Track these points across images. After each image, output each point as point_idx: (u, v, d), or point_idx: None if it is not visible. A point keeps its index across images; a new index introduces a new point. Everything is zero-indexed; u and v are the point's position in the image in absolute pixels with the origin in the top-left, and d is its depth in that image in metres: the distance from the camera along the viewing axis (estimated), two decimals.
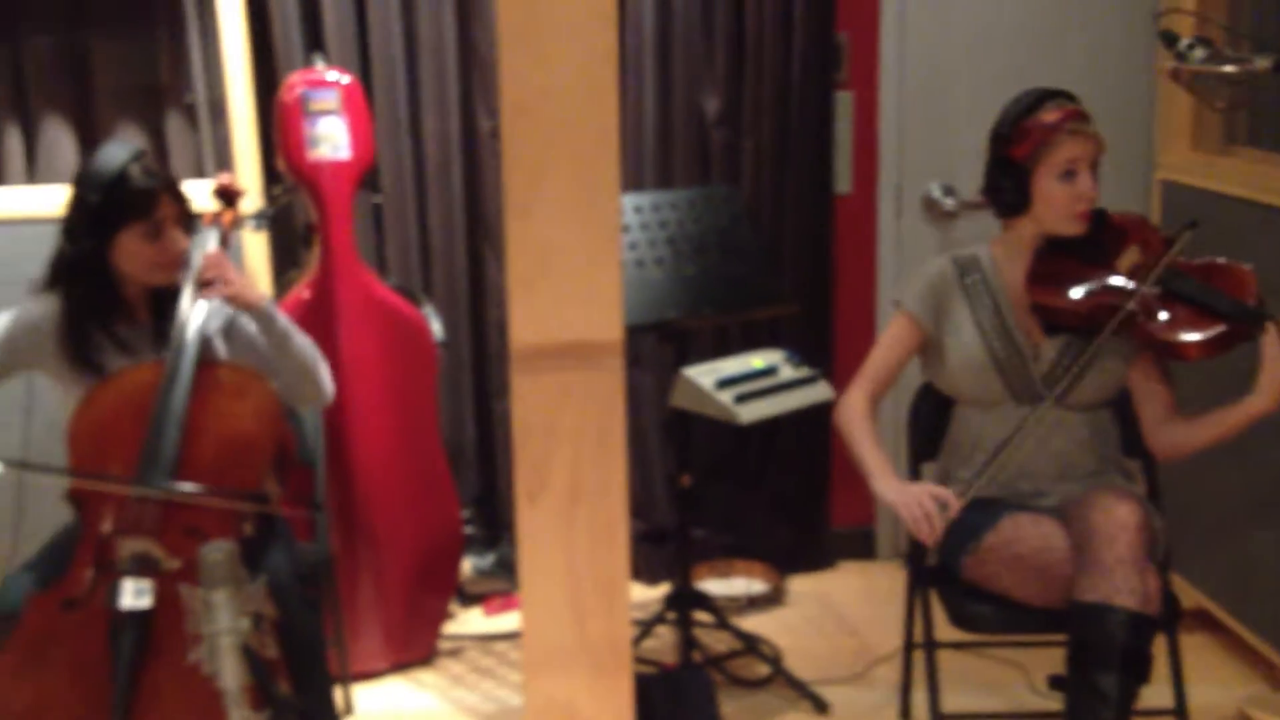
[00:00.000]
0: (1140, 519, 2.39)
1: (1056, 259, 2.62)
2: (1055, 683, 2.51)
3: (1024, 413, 2.61)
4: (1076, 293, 2.57)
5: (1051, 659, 2.60)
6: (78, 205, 2.58)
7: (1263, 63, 2.24)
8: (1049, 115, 2.54)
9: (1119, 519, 2.37)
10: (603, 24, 1.85)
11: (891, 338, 2.74)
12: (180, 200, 2.63)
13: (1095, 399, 2.63)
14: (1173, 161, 3.51)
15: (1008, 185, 2.59)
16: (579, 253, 1.87)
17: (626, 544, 1.96)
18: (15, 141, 3.63)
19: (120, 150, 2.60)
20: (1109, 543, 2.35)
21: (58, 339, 2.62)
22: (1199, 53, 2.38)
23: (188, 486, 2.43)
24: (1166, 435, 2.64)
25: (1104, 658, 2.33)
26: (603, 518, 1.94)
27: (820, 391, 3.06)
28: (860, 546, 4.08)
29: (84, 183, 2.57)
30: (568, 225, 1.86)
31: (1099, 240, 2.61)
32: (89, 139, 3.63)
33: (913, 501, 2.47)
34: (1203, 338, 2.45)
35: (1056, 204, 2.56)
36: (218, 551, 2.04)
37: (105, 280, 2.62)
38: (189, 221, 2.67)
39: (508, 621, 3.69)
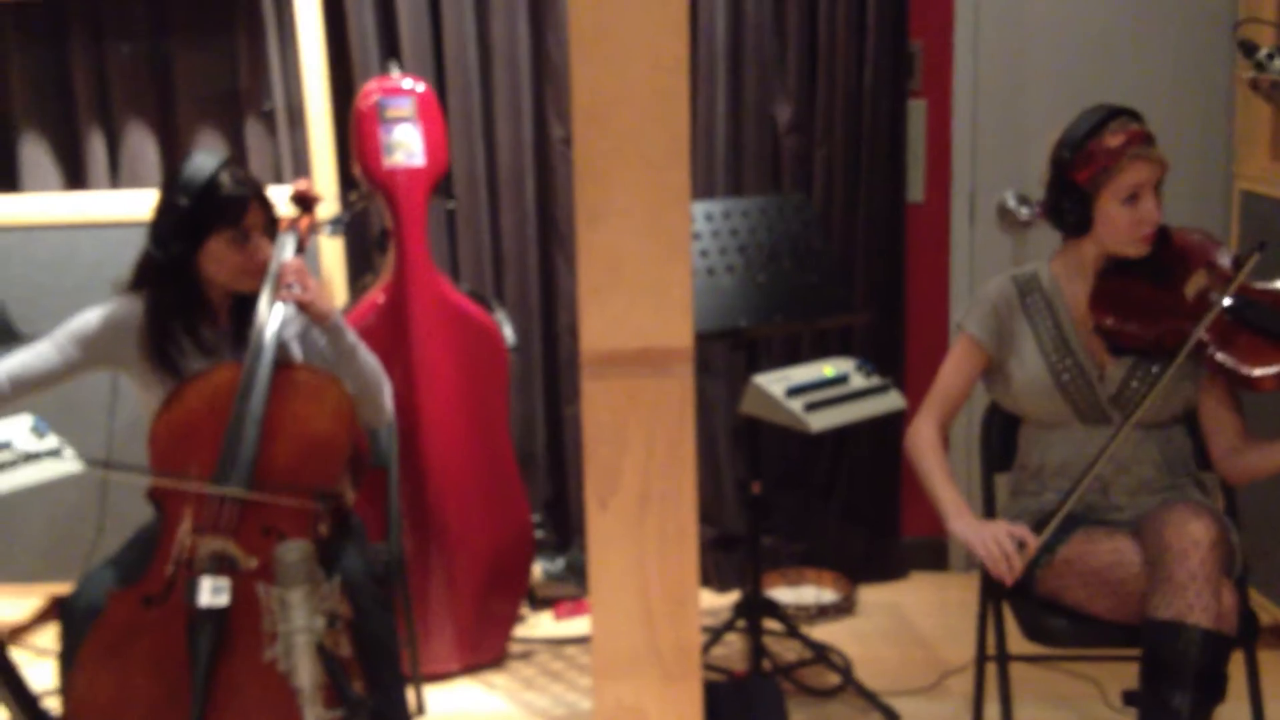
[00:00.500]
0: (1215, 535, 2.35)
1: (1121, 280, 2.58)
2: (1129, 698, 2.47)
3: (1091, 434, 2.58)
4: (1143, 318, 2.53)
5: (1126, 673, 2.56)
6: (167, 210, 2.62)
7: None
8: (1112, 139, 2.50)
9: (1192, 535, 2.33)
10: (673, 33, 1.85)
11: (956, 362, 2.73)
12: (267, 208, 2.69)
13: (1165, 418, 2.60)
14: (1252, 171, 3.45)
15: (1069, 207, 2.56)
16: (650, 260, 1.88)
17: (696, 549, 1.97)
18: (99, 146, 3.72)
19: (211, 158, 2.65)
20: (1182, 559, 2.32)
21: (141, 339, 2.67)
22: (1279, 62, 2.34)
23: (261, 494, 2.46)
24: (1238, 463, 2.59)
25: (1177, 676, 2.30)
26: (673, 523, 1.95)
27: (891, 401, 3.03)
28: (932, 557, 4.05)
29: (174, 188, 2.62)
30: (638, 233, 1.87)
31: (1164, 261, 2.57)
32: (170, 145, 3.72)
33: (990, 541, 2.45)
34: (1277, 371, 2.39)
35: (1119, 227, 2.53)
36: (294, 551, 2.07)
37: (191, 284, 2.67)
38: (274, 229, 2.72)
39: (578, 626, 3.72)
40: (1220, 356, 2.45)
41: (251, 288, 2.69)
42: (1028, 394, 2.64)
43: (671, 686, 2.02)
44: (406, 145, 3.23)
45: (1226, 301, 2.47)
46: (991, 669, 2.77)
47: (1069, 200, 2.55)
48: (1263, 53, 2.38)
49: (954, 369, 2.73)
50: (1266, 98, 2.42)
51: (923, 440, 2.68)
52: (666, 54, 1.84)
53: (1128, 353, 2.58)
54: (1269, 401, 2.64)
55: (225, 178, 2.61)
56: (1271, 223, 3.17)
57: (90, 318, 2.69)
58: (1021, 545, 2.44)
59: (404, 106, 3.24)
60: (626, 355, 1.90)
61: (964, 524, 2.54)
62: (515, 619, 3.57)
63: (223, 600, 2.31)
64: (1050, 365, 2.61)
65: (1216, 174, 3.66)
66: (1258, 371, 2.41)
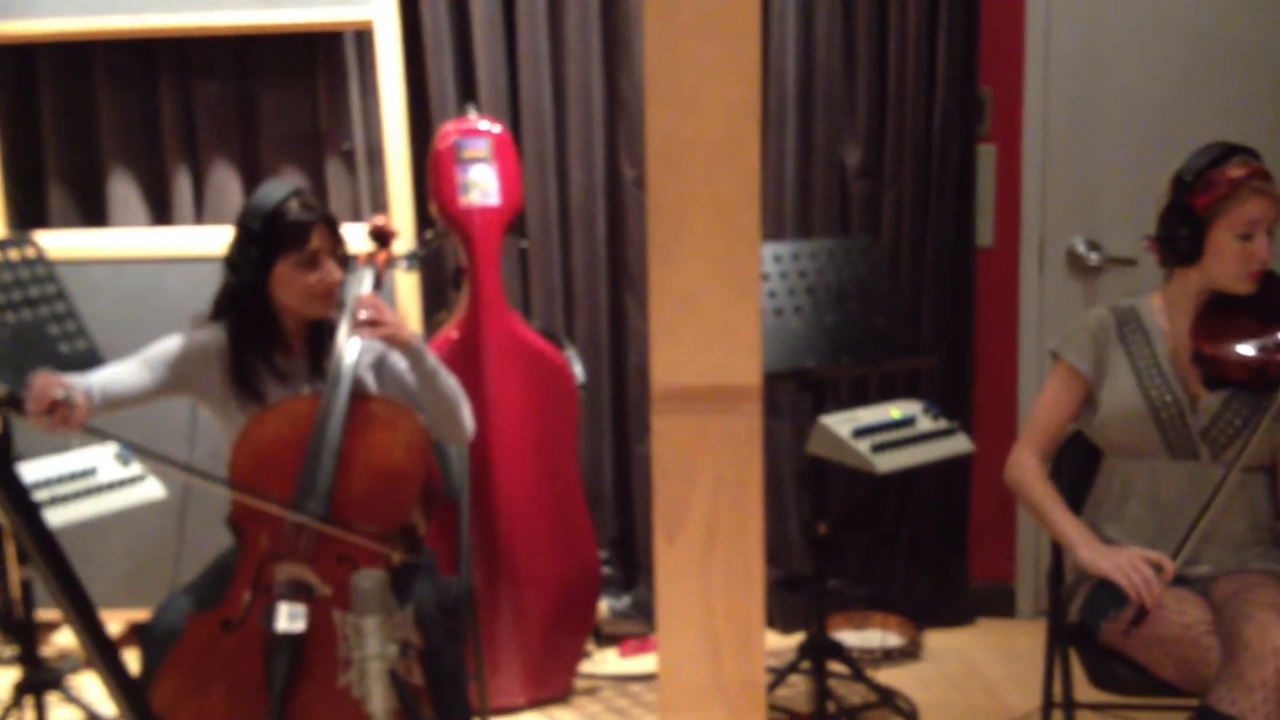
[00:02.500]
0: None
1: (1227, 311, 2.56)
2: None
3: (1177, 467, 2.56)
4: (1248, 348, 2.51)
5: None
6: (241, 237, 2.72)
7: None
8: (1235, 170, 2.50)
9: (1274, 642, 2.28)
10: (745, 79, 1.90)
11: (1054, 392, 2.71)
12: (335, 233, 2.76)
13: (1252, 462, 2.55)
14: None
15: (1183, 234, 2.54)
16: (720, 299, 1.92)
17: (763, 586, 1.99)
18: (185, 183, 3.84)
19: (280, 186, 2.75)
20: (1258, 664, 2.28)
21: (222, 365, 2.75)
22: None
23: (334, 529, 2.52)
24: None
25: None
26: (739, 559, 1.97)
27: (959, 444, 3.03)
28: (1000, 603, 4.03)
29: (246, 215, 2.72)
30: (709, 272, 1.92)
31: (1270, 299, 2.55)
32: (254, 182, 3.83)
33: (1128, 568, 2.44)
34: None
35: (1229, 261, 2.52)
36: (369, 579, 2.12)
37: (265, 311, 2.75)
38: (343, 256, 2.79)
39: (643, 663, 3.73)
40: None
41: (322, 314, 2.77)
42: (1118, 421, 2.61)
43: None
44: (482, 185, 3.30)
45: None
46: (1057, 717, 2.75)
47: (1184, 226, 2.54)
48: None
49: (1053, 398, 2.71)
50: None
51: (1027, 471, 2.67)
52: (739, 99, 1.89)
53: (1224, 385, 2.55)
54: None
55: (292, 203, 2.70)
56: None
57: (175, 342, 2.77)
58: (1159, 568, 2.43)
59: (480, 147, 3.31)
60: (696, 392, 1.94)
61: (1095, 553, 2.52)
62: (581, 655, 3.60)
63: (299, 626, 2.36)
64: (1145, 393, 2.59)
65: None
66: None
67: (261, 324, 2.76)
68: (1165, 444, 2.58)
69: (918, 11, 3.65)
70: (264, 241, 2.69)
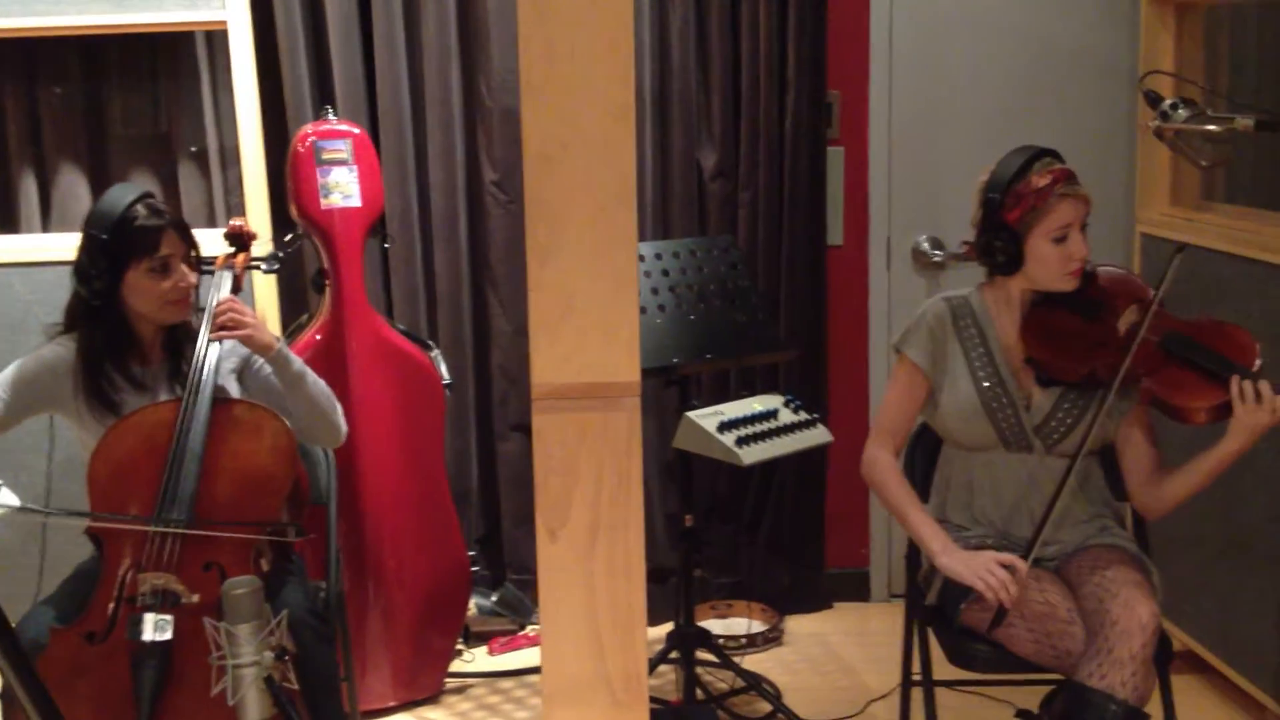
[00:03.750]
0: (1158, 621, 2.43)
1: (1052, 313, 2.66)
2: (1024, 716, 2.61)
3: (1012, 460, 2.68)
4: (1076, 351, 2.60)
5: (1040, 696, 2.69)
6: (88, 246, 2.65)
7: (1244, 122, 2.34)
8: (1040, 179, 2.57)
9: (1140, 618, 2.40)
10: (619, 82, 1.95)
11: (900, 387, 2.76)
12: (186, 237, 2.71)
13: (1086, 450, 2.67)
14: (1152, 216, 3.61)
15: (1001, 246, 2.61)
16: (599, 297, 1.96)
17: (644, 578, 2.04)
18: (31, 189, 3.72)
19: (126, 191, 2.69)
20: (1126, 638, 2.39)
21: (75, 379, 2.69)
22: (1182, 112, 2.48)
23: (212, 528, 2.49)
24: (1153, 493, 2.68)
25: None
26: (621, 553, 2.02)
27: (819, 435, 3.13)
28: (855, 588, 4.17)
29: (93, 223, 2.65)
30: (588, 271, 1.96)
31: (1092, 297, 2.66)
32: (102, 187, 3.71)
33: (984, 572, 2.50)
34: (1208, 404, 2.47)
35: (1050, 265, 2.60)
36: (242, 586, 2.11)
37: (118, 320, 2.69)
38: (196, 259, 2.74)
39: (513, 660, 3.75)
40: (1154, 388, 2.53)
41: (178, 319, 2.73)
42: (956, 416, 2.70)
43: (620, 713, 2.09)
44: (343, 187, 3.28)
45: (1155, 326, 2.56)
46: (915, 694, 2.86)
47: (1000, 240, 2.60)
48: (1167, 103, 2.52)
49: (899, 394, 2.77)
50: (1171, 146, 2.56)
51: (885, 469, 2.72)
52: (614, 101, 1.94)
53: (1056, 384, 2.66)
54: (1180, 439, 2.77)
55: (140, 208, 2.65)
56: (1161, 275, 3.32)
57: (24, 364, 2.70)
58: (1012, 570, 2.50)
59: (340, 149, 3.30)
60: (577, 389, 1.98)
61: (952, 558, 2.57)
62: (452, 654, 3.60)
63: (167, 635, 2.32)
64: (980, 389, 2.68)
65: (1119, 218, 3.84)
66: (1191, 402, 2.49)
67: (115, 333, 2.70)
68: (1000, 438, 2.68)
69: (769, 17, 3.75)
70: (113, 250, 2.63)
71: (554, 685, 2.09)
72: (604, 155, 1.95)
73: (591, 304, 1.97)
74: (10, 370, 2.69)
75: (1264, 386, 2.43)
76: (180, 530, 2.46)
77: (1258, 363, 2.50)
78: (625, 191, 1.97)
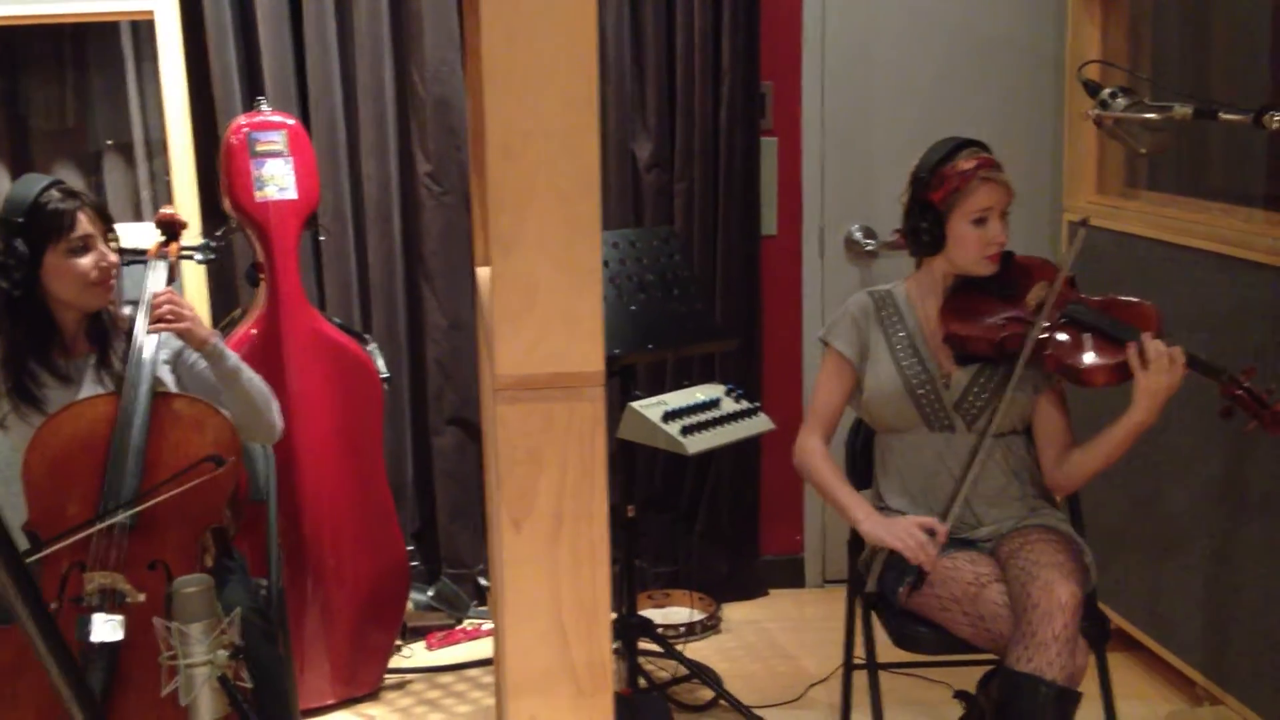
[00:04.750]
0: (1079, 599, 2.48)
1: (970, 294, 2.77)
2: (962, 697, 2.68)
3: (936, 439, 2.76)
4: (988, 322, 2.72)
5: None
6: (3, 234, 2.59)
7: (1183, 110, 2.40)
8: (965, 163, 2.69)
9: (1059, 599, 2.45)
10: (582, 71, 1.94)
11: (828, 377, 2.86)
12: (104, 216, 2.66)
13: (1006, 428, 2.76)
14: (1079, 204, 3.70)
15: (924, 226, 2.73)
16: (562, 288, 1.95)
17: (608, 568, 2.04)
18: None
19: (37, 179, 2.63)
20: (1047, 619, 2.44)
21: None
22: (1121, 101, 2.55)
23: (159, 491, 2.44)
24: (1064, 469, 2.76)
25: None
26: (585, 542, 2.00)
27: (760, 423, 3.16)
28: (790, 574, 4.21)
29: (6, 211, 2.59)
30: (551, 262, 1.95)
31: (1008, 279, 2.77)
32: None
33: (905, 535, 2.61)
34: (1107, 363, 2.58)
35: (969, 246, 2.71)
36: (193, 585, 2.07)
37: (40, 311, 2.63)
38: (116, 244, 2.68)
39: (451, 654, 3.73)
40: (1057, 353, 2.64)
41: (100, 303, 2.67)
42: (879, 400, 2.79)
43: (584, 702, 2.08)
44: (278, 179, 3.23)
45: (1060, 297, 2.66)
46: (858, 677, 2.90)
47: (924, 220, 2.72)
48: (1106, 92, 2.58)
49: (828, 384, 2.86)
50: (1110, 134, 2.63)
51: (813, 454, 2.81)
52: (576, 90, 1.92)
53: (972, 360, 2.76)
54: (1094, 420, 2.84)
55: (53, 193, 2.60)
56: (1096, 251, 3.41)
57: None
58: (932, 533, 2.61)
59: (275, 140, 3.24)
60: (540, 379, 1.97)
61: (874, 525, 2.69)
62: (391, 650, 3.58)
63: (118, 635, 2.28)
64: (902, 372, 2.77)
65: (1045, 206, 3.93)
66: (1089, 361, 2.59)
67: (36, 325, 2.63)
68: (923, 418, 2.76)
69: (703, 9, 3.77)
70: (29, 233, 2.56)
71: (517, 676, 2.07)
72: (566, 146, 1.93)
73: (554, 295, 1.96)
74: None
75: (1158, 343, 2.52)
76: (128, 514, 2.41)
77: (1158, 331, 2.59)
78: (589, 181, 1.94)
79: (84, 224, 2.60)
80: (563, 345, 1.99)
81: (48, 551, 2.39)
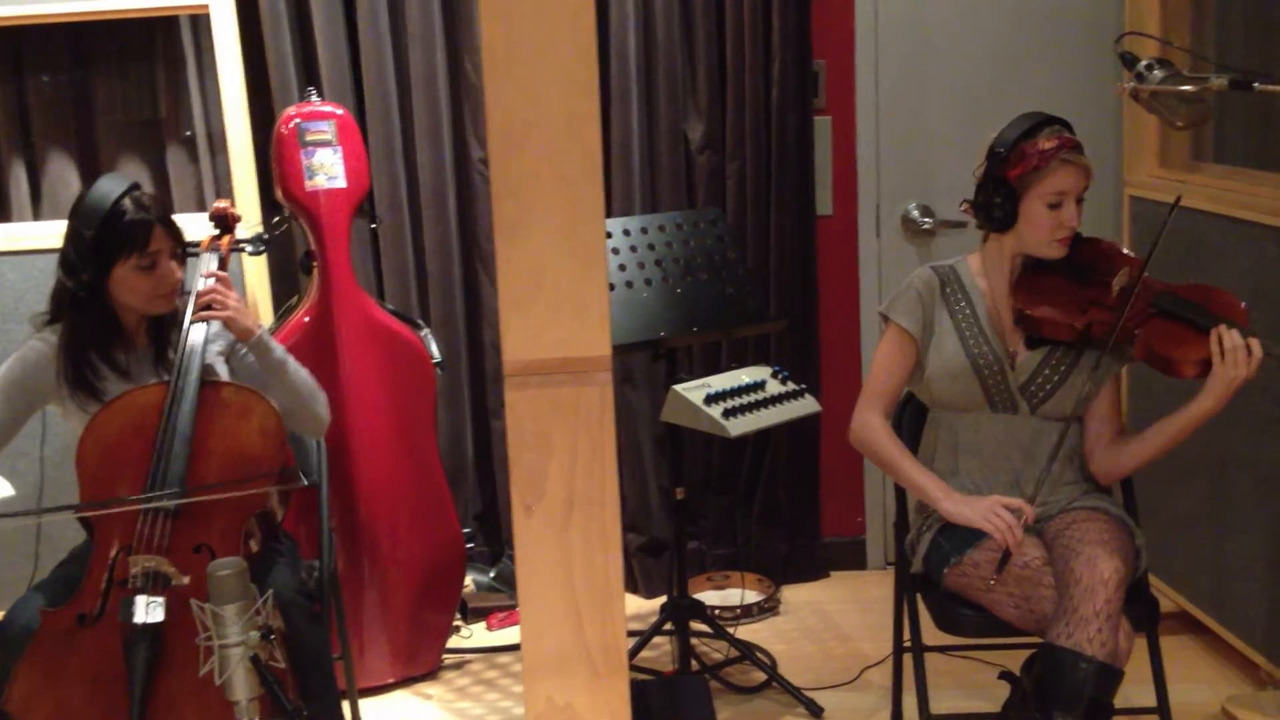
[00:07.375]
0: (1122, 575, 2.44)
1: (1044, 276, 2.69)
2: (1007, 677, 2.63)
3: (998, 420, 2.70)
4: (1069, 309, 2.64)
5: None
6: (74, 240, 2.65)
7: (1218, 81, 2.33)
8: (1046, 142, 2.60)
9: (1102, 574, 2.42)
10: (583, 57, 1.95)
11: (888, 353, 2.80)
12: (174, 233, 2.72)
13: (1069, 412, 2.69)
14: (1140, 179, 3.61)
15: (998, 202, 2.65)
16: (567, 273, 1.97)
17: (620, 550, 2.05)
18: (21, 176, 3.74)
19: (114, 184, 2.67)
20: (1089, 595, 2.41)
21: (60, 368, 2.70)
22: (1158, 73, 2.47)
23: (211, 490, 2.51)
24: (1115, 455, 2.72)
25: (1069, 702, 2.40)
26: (596, 525, 2.03)
27: (807, 405, 3.14)
28: (851, 556, 4.18)
29: (79, 217, 2.65)
30: (555, 248, 1.96)
31: (1079, 260, 2.69)
32: (92, 173, 3.75)
33: (991, 515, 2.58)
34: (1197, 355, 2.50)
35: (1040, 228, 2.64)
36: (226, 568, 2.13)
37: (104, 311, 2.70)
38: (183, 253, 2.75)
39: (511, 635, 3.79)
40: (1149, 341, 2.56)
41: (164, 311, 2.74)
42: (943, 378, 2.73)
43: (600, 683, 2.10)
44: (327, 168, 3.29)
45: (1144, 283, 2.59)
46: (908, 660, 2.88)
47: (998, 195, 2.65)
48: (1142, 64, 2.51)
49: (887, 359, 2.80)
50: (1147, 107, 2.55)
51: (875, 431, 2.76)
52: (577, 76, 1.94)
53: (1046, 343, 2.69)
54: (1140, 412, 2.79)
55: (128, 204, 2.64)
56: (1156, 227, 3.32)
57: (8, 369, 2.72)
58: (1019, 513, 2.57)
59: (324, 130, 3.30)
60: (548, 364, 1.99)
61: (955, 503, 2.65)
62: (449, 630, 3.63)
63: (158, 617, 2.35)
64: (967, 350, 2.71)
65: (1107, 181, 3.82)
66: (1181, 354, 2.52)
67: (100, 322, 2.71)
68: (987, 398, 2.71)
69: None
70: (100, 246, 2.63)
71: (534, 658, 2.10)
72: (569, 132, 1.95)
73: (560, 280, 1.98)
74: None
75: (1234, 334, 2.46)
76: (174, 501, 2.48)
77: (1245, 322, 2.52)
78: (592, 168, 1.96)
79: (155, 240, 2.66)
80: (570, 330, 2.01)
81: (86, 513, 2.50)
